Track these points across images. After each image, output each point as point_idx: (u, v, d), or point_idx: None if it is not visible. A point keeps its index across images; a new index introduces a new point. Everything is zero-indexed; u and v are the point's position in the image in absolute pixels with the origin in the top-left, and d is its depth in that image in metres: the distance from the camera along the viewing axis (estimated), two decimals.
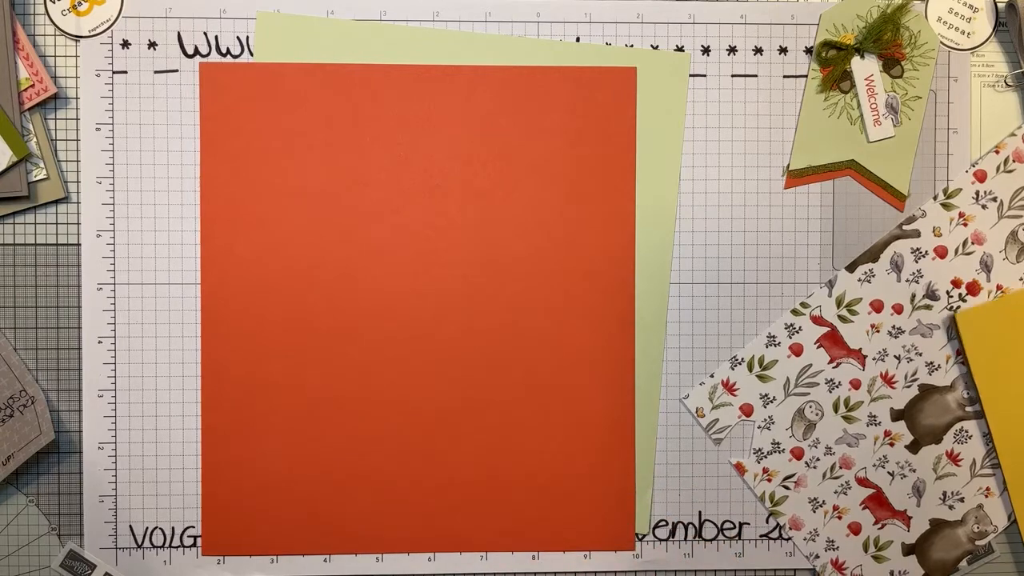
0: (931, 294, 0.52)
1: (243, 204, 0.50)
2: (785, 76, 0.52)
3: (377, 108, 0.50)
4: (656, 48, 0.52)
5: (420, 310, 0.51)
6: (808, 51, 0.52)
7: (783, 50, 0.52)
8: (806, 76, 0.52)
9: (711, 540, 0.53)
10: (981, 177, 0.52)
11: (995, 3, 0.52)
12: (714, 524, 0.52)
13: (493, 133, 0.51)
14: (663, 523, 0.52)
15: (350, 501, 0.51)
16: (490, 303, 0.51)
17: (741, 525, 0.53)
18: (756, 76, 0.52)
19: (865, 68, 0.51)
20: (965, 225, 0.52)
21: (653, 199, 0.51)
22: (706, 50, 0.52)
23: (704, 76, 0.52)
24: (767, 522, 0.53)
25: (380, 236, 0.51)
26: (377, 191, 0.51)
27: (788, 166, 0.52)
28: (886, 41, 0.51)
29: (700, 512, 0.52)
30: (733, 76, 0.52)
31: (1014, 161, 0.52)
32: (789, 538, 0.53)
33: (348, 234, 0.51)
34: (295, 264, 0.50)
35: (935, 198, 0.52)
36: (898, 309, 0.52)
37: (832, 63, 0.51)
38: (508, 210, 0.51)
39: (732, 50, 0.52)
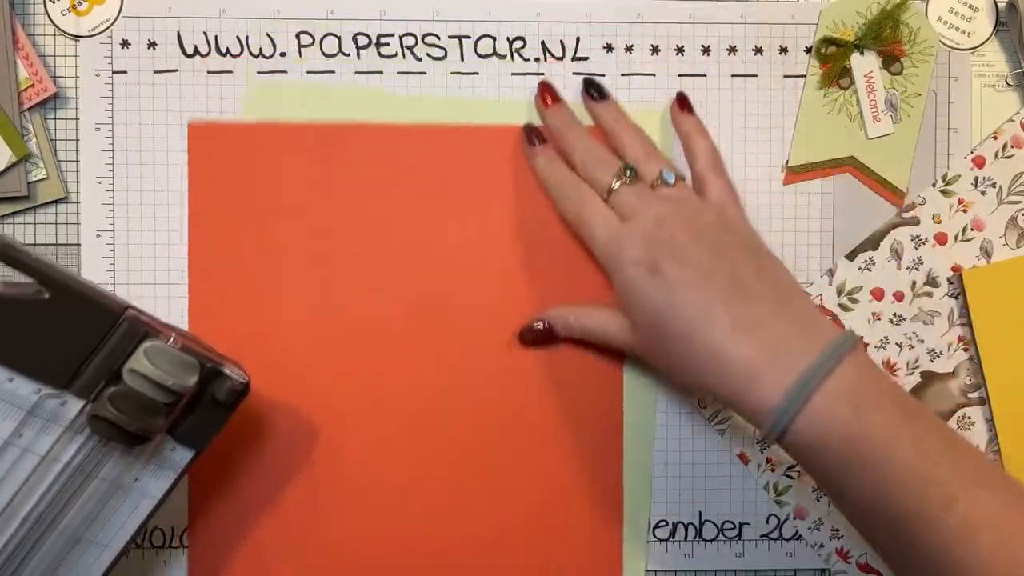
0: (932, 281, 0.52)
1: (234, 263, 0.50)
2: (785, 76, 0.52)
3: (365, 166, 0.51)
4: (644, 105, 0.52)
5: (406, 365, 0.51)
6: (808, 50, 0.52)
7: (783, 50, 0.52)
8: (806, 75, 0.52)
9: (711, 540, 0.52)
10: (980, 163, 0.52)
11: (995, 3, 0.52)
12: (714, 524, 0.52)
13: (481, 190, 0.51)
14: (663, 523, 0.52)
15: (340, 521, 0.51)
16: (474, 358, 0.51)
17: (741, 525, 0.52)
18: (756, 76, 0.52)
19: (864, 65, 0.51)
20: (964, 211, 0.52)
21: None
22: (706, 50, 0.52)
23: (704, 76, 0.52)
24: (767, 522, 0.53)
25: (367, 292, 0.51)
26: (365, 247, 0.51)
27: (787, 162, 0.52)
28: (886, 38, 0.51)
29: (700, 512, 0.52)
30: (733, 76, 0.52)
31: (1012, 147, 0.52)
32: (790, 538, 0.53)
33: (338, 294, 0.51)
34: (285, 328, 0.50)
35: (934, 185, 0.52)
36: (899, 297, 0.52)
37: (831, 59, 0.51)
38: (495, 263, 0.51)
39: (732, 50, 0.52)
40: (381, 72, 0.51)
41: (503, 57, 0.52)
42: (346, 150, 0.51)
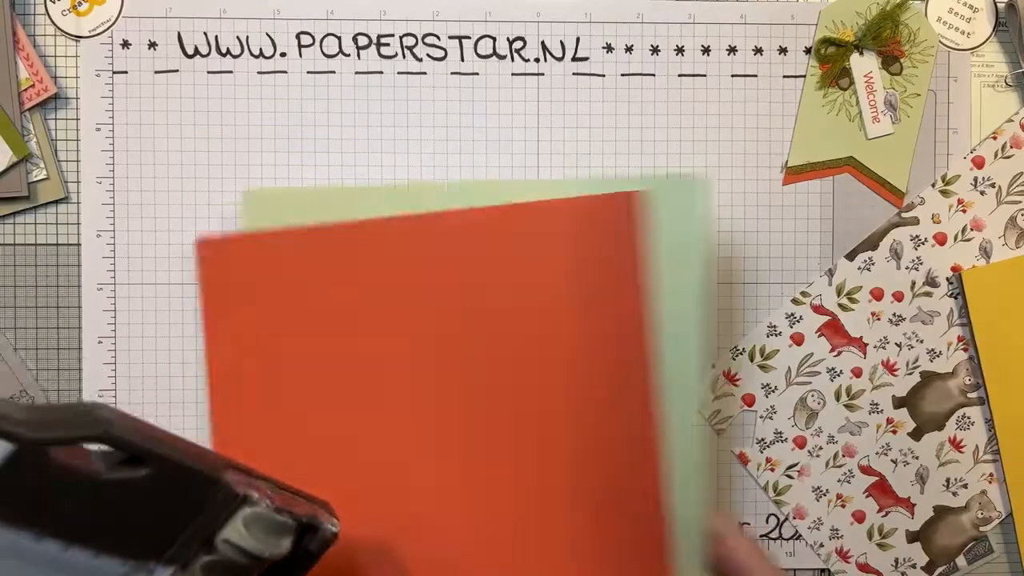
0: (931, 281, 0.52)
1: (253, 377, 0.48)
2: (785, 76, 0.52)
3: (374, 262, 0.49)
4: (669, 175, 0.51)
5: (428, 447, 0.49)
6: (808, 51, 0.52)
7: (783, 50, 0.52)
8: (805, 76, 0.52)
9: None
10: (979, 163, 0.52)
11: (995, 3, 0.52)
12: None
13: (496, 274, 0.48)
14: None
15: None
16: (503, 444, 0.48)
17: (741, 525, 0.52)
18: (756, 76, 0.52)
19: (864, 65, 0.51)
20: (964, 211, 0.52)
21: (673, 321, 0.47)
22: (706, 50, 0.52)
23: (704, 76, 0.52)
24: (767, 522, 0.53)
25: (389, 389, 0.48)
26: (383, 341, 0.48)
27: (787, 162, 0.52)
28: (885, 38, 0.51)
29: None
30: (733, 76, 0.52)
31: (1012, 147, 0.52)
32: (789, 538, 0.53)
33: (361, 398, 0.48)
34: (310, 433, 0.48)
35: (933, 185, 0.52)
36: (898, 297, 0.52)
37: (831, 60, 0.51)
38: (516, 350, 0.48)
39: (732, 50, 0.52)
40: (381, 72, 0.51)
41: (503, 57, 0.52)
42: (355, 246, 0.48)
